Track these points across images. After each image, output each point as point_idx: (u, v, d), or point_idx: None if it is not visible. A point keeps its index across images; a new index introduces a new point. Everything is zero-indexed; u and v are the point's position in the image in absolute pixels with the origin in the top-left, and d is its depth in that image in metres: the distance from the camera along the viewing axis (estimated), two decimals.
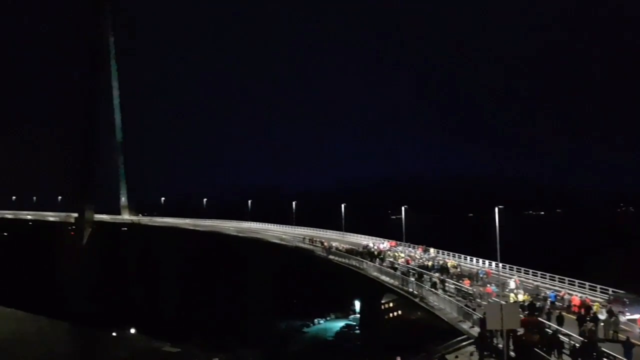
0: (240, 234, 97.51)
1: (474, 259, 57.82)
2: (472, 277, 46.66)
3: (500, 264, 49.78)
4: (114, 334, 76.52)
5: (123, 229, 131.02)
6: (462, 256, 59.62)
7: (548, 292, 38.52)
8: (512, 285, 41.61)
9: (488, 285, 42.01)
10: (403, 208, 70.45)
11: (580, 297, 36.44)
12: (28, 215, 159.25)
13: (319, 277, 79.51)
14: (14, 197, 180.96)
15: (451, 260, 56.92)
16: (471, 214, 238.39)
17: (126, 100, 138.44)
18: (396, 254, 61.30)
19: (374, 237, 78.09)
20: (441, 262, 54.84)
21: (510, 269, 50.07)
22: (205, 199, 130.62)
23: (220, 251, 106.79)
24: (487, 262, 55.05)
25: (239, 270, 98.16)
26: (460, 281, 43.91)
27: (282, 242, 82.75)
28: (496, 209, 47.20)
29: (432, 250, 63.35)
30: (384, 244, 70.35)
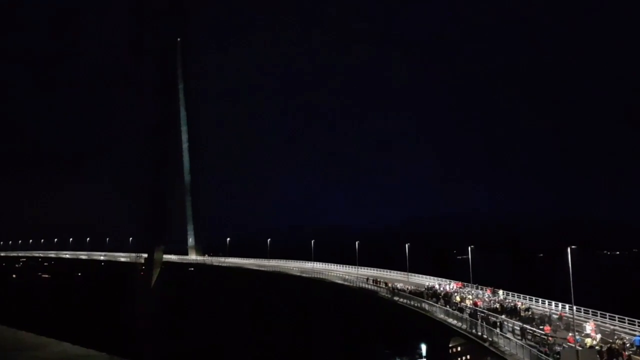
0: (304, 275, 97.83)
1: (546, 301, 55.39)
2: (544, 320, 44.75)
3: (575, 307, 47.46)
4: None
5: (190, 269, 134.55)
6: (534, 298, 57.25)
7: (626, 336, 36.37)
8: (587, 329, 39.56)
9: (570, 334, 39.48)
10: (469, 248, 68.79)
11: None
12: (101, 256, 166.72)
13: (384, 318, 78.18)
14: (88, 239, 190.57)
15: (522, 303, 54.78)
16: (541, 254, 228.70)
17: (194, 144, 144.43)
18: (463, 295, 59.68)
19: (440, 278, 76.39)
20: (511, 304, 52.94)
21: (585, 312, 47.62)
22: (269, 239, 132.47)
23: (284, 291, 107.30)
24: (560, 304, 52.60)
25: (303, 311, 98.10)
26: (540, 327, 42.19)
27: (346, 283, 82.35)
28: (568, 249, 45.35)
29: (501, 292, 61.24)
30: (450, 285, 68.69)
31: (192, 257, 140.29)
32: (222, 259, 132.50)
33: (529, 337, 39.44)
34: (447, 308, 52.52)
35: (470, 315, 47.65)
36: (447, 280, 73.62)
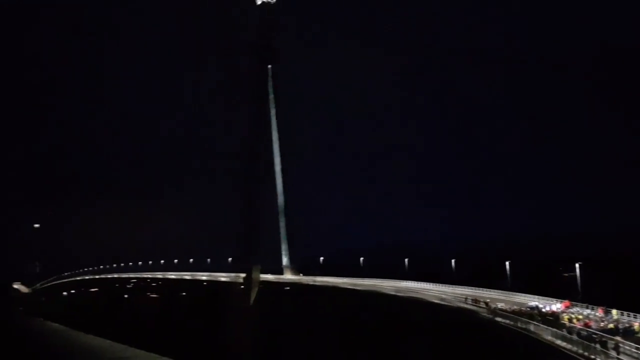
0: (399, 294, 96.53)
1: None
2: None
3: None
4: None
5: (286, 288, 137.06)
6: None
7: None
8: None
9: None
10: (577, 265, 64.70)
11: None
12: (203, 276, 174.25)
13: (484, 341, 75.20)
14: (191, 260, 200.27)
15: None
16: None
17: (286, 166, 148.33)
18: (571, 315, 56.18)
19: (544, 297, 72.32)
20: (627, 324, 49.06)
21: None
22: (362, 258, 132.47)
23: (379, 311, 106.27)
24: None
25: (398, 331, 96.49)
26: None
27: (443, 303, 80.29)
28: None
29: (614, 311, 56.88)
30: (557, 305, 64.87)
31: (288, 276, 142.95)
32: (317, 278, 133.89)
33: None
34: (554, 329, 49.62)
35: (580, 336, 44.68)
36: (553, 299, 69.61)
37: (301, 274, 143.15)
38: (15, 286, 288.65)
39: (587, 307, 61.42)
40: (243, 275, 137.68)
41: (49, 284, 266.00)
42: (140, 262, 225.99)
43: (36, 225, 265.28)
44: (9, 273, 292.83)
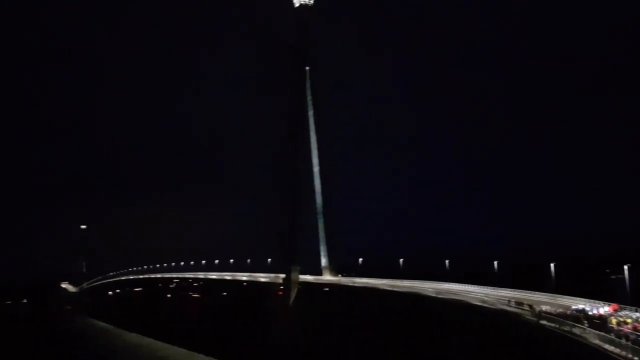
0: (440, 296, 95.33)
1: None
2: None
3: None
4: None
5: (325, 289, 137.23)
6: None
7: None
8: None
9: None
10: (626, 267, 62.63)
11: None
12: (243, 276, 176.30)
13: (528, 344, 73.62)
14: (231, 261, 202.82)
15: None
16: None
17: (324, 167, 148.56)
18: (620, 319, 54.41)
19: (591, 300, 70.25)
20: None
21: None
22: (401, 259, 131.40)
23: (420, 313, 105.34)
24: None
25: (439, 334, 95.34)
26: None
27: (485, 305, 78.94)
28: None
29: None
30: (605, 308, 62.91)
31: (327, 277, 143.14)
32: (356, 279, 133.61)
33: None
34: (602, 332, 48.20)
35: (631, 341, 43.29)
36: (600, 302, 67.53)
37: (340, 275, 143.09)
38: (63, 285, 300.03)
39: (636, 311, 59.35)
40: (282, 275, 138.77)
41: (94, 284, 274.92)
42: (182, 263, 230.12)
43: (83, 227, 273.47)
44: (58, 273, 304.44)
